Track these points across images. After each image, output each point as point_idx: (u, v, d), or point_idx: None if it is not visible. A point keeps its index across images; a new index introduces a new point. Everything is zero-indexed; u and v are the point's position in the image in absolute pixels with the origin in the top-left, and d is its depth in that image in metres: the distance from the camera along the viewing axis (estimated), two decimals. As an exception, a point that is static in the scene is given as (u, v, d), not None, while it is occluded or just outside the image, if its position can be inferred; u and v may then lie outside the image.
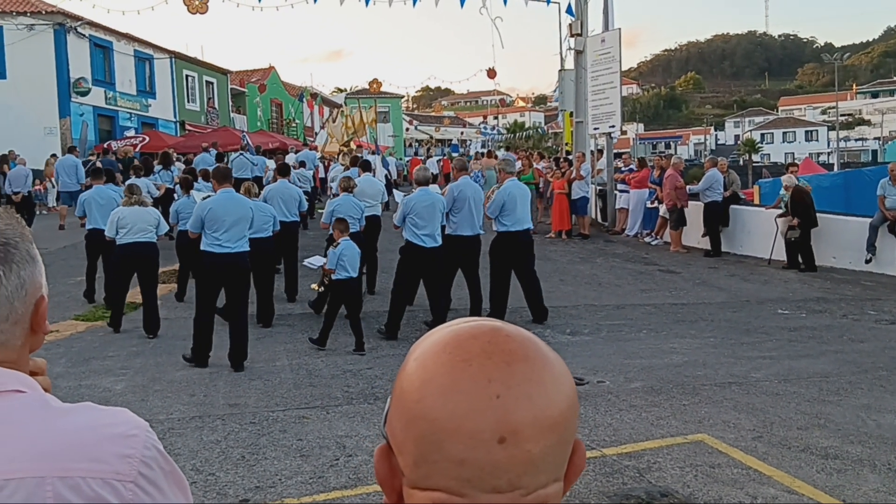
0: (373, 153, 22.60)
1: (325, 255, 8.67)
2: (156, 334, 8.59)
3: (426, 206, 8.48)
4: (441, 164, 30.35)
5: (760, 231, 13.90)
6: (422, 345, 0.77)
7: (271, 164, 17.24)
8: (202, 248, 7.45)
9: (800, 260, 12.88)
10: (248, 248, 7.63)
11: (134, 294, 9.67)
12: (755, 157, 69.61)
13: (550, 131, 57.37)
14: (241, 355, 7.35)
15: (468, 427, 0.69)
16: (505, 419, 0.69)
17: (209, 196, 8.16)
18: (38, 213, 19.53)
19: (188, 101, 34.48)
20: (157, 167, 15.92)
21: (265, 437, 5.41)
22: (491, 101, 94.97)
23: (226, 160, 17.71)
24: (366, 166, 12.50)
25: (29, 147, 22.70)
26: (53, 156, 22.93)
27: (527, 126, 71.92)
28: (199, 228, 7.42)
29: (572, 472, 0.76)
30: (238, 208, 7.52)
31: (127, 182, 10.44)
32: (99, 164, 15.84)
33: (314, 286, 9.36)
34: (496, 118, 75.25)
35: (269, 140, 30.32)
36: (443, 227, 8.94)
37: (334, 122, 30.75)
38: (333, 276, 7.99)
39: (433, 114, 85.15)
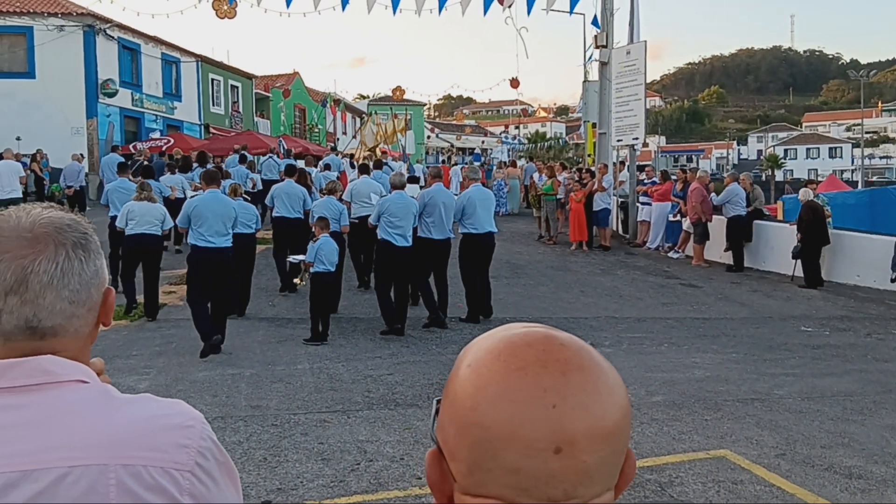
0: (397, 160, 22.84)
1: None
2: (155, 318, 9.61)
3: (399, 207, 9.08)
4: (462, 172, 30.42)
5: (783, 247, 13.78)
6: (473, 350, 0.77)
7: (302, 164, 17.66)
8: (189, 241, 8.24)
9: (793, 273, 12.92)
10: (231, 245, 8.34)
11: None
12: (778, 173, 69.10)
13: (572, 142, 57.35)
14: (213, 333, 7.96)
15: (524, 436, 0.69)
16: (561, 429, 0.69)
17: (196, 195, 9.23)
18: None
19: (213, 105, 34.78)
20: (195, 165, 16.24)
21: (287, 440, 5.44)
22: (513, 110, 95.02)
23: (256, 162, 18.96)
24: (364, 169, 13.00)
25: (56, 146, 23.01)
26: (80, 155, 23.21)
27: (548, 136, 71.92)
28: (187, 224, 8.19)
29: (623, 481, 0.76)
30: (221, 207, 8.23)
31: (140, 180, 11.19)
32: (147, 163, 16.52)
33: (296, 280, 10.00)
34: (517, 128, 75.28)
35: (291, 145, 30.50)
36: (416, 230, 9.47)
37: (366, 126, 31.04)
38: (312, 269, 8.59)
39: (455, 122, 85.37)
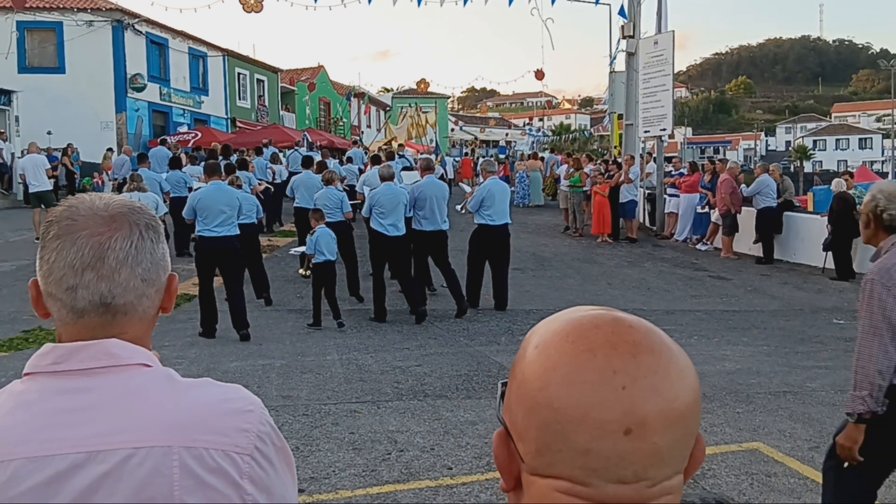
0: (430, 154, 23.17)
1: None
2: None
3: (389, 198, 9.36)
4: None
5: (814, 239, 13.61)
6: (540, 332, 0.77)
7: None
8: (196, 231, 8.43)
9: (824, 265, 12.77)
10: (237, 233, 8.58)
11: (186, 287, 9.93)
12: (806, 165, 68.18)
13: (596, 134, 56.98)
14: (241, 324, 8.28)
15: (594, 417, 0.69)
16: (631, 411, 0.69)
17: (200, 187, 9.49)
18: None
19: (239, 99, 35.00)
20: (219, 158, 16.53)
21: (318, 430, 5.48)
22: (537, 102, 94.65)
23: (283, 155, 19.57)
24: (376, 161, 13.45)
25: (86, 141, 23.32)
26: (110, 150, 23.49)
27: (573, 128, 71.53)
28: (193, 216, 8.41)
29: (692, 465, 0.76)
30: (225, 197, 8.53)
31: (132, 172, 12.22)
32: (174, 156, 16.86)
33: (301, 271, 10.30)
34: (541, 120, 74.93)
35: (317, 138, 30.66)
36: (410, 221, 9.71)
37: (401, 119, 31.23)
38: (313, 261, 8.97)
39: (478, 114, 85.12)
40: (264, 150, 19.65)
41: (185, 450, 1.08)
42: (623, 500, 0.70)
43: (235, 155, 17.42)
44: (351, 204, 10.91)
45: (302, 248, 9.46)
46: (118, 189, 18.36)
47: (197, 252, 8.74)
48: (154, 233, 1.20)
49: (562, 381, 0.71)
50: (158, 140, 23.13)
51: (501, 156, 38.96)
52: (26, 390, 1.11)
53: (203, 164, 10.58)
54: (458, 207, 9.66)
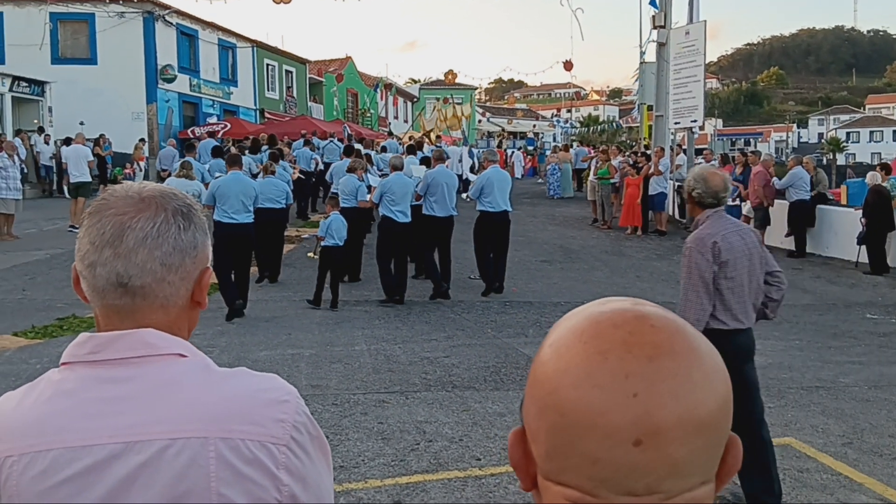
0: (457, 144, 23.63)
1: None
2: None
3: (399, 186, 9.79)
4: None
5: (847, 232, 13.39)
6: (559, 329, 0.72)
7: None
8: (215, 217, 8.79)
9: (857, 259, 12.60)
10: (252, 220, 9.13)
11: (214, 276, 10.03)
12: (839, 157, 67.06)
13: (625, 125, 56.48)
14: (242, 299, 8.90)
15: (603, 425, 0.64)
16: (645, 419, 0.64)
17: (219, 175, 10.35)
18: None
19: (268, 90, 35.19)
20: (265, 147, 16.86)
21: (347, 419, 5.51)
22: (565, 93, 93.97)
23: (320, 147, 20.16)
24: (411, 150, 14.39)
25: (117, 131, 23.61)
26: (142, 140, 23.77)
27: (601, 120, 70.98)
28: (213, 202, 8.87)
29: (724, 472, 0.70)
30: (242, 187, 9.07)
31: (182, 160, 12.66)
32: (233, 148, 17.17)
33: (310, 254, 10.64)
34: (569, 111, 74.44)
35: (339, 128, 30.76)
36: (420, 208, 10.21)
37: (432, 111, 31.33)
38: (323, 243, 9.44)
39: (506, 106, 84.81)
40: (311, 141, 20.33)
41: (221, 441, 1.07)
42: None
43: (280, 144, 17.97)
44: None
45: (315, 231, 10.00)
46: (161, 179, 18.69)
47: (215, 238, 8.95)
48: (184, 219, 1.17)
49: (572, 385, 0.66)
50: (188, 131, 23.49)
51: (530, 147, 38.87)
52: (64, 379, 1.12)
53: (227, 156, 10.88)
54: (464, 195, 9.88)
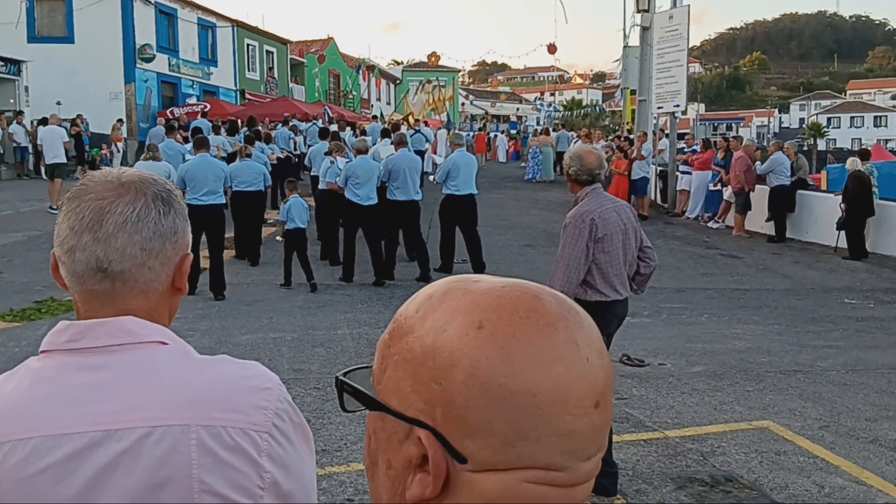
0: (441, 129, 23.52)
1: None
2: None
3: (364, 170, 9.90)
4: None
5: (827, 218, 13.51)
6: (471, 311, 0.66)
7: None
8: (186, 201, 8.88)
9: (836, 244, 12.75)
10: (223, 202, 9.37)
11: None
12: (820, 142, 67.54)
13: (608, 109, 56.55)
14: (219, 287, 8.97)
15: (574, 396, 0.64)
16: (598, 382, 0.66)
17: (189, 159, 10.28)
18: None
19: (248, 70, 34.82)
20: (244, 129, 16.74)
21: (329, 403, 5.51)
22: (548, 77, 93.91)
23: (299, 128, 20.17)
24: (385, 133, 14.40)
25: (95, 112, 23.31)
26: (120, 121, 23.47)
27: (584, 104, 71.03)
28: (182, 185, 8.89)
29: None
30: (211, 169, 9.18)
31: (148, 143, 12.74)
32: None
33: (278, 238, 10.78)
34: (553, 95, 74.42)
35: (319, 110, 30.58)
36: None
37: (416, 94, 31.15)
38: (285, 227, 9.63)
39: (489, 89, 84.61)
40: (296, 126, 20.31)
41: (202, 428, 1.07)
42: (591, 475, 0.67)
43: (260, 126, 17.80)
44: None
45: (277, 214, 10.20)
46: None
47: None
48: (164, 204, 1.17)
49: (535, 363, 0.63)
50: (167, 112, 23.22)
51: (513, 131, 38.86)
52: (43, 367, 1.11)
53: (195, 139, 10.78)
54: (431, 178, 10.24)
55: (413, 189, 10.21)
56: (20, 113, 21.72)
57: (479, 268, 10.41)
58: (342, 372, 0.74)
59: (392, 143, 12.93)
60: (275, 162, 15.24)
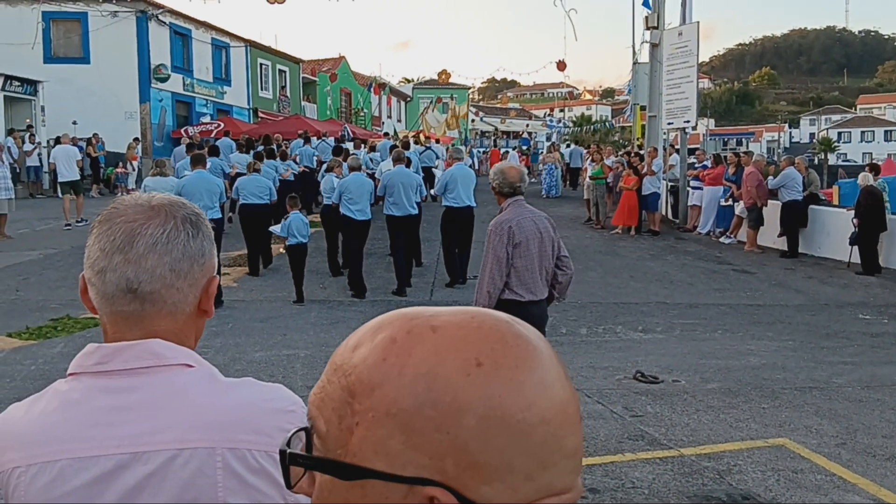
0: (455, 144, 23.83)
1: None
2: None
3: (357, 186, 10.22)
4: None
5: (840, 233, 13.46)
6: (458, 349, 0.62)
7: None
8: None
9: (849, 259, 12.67)
10: (219, 216, 9.54)
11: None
12: (831, 157, 67.32)
13: (618, 125, 56.57)
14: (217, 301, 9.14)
15: (571, 413, 0.64)
16: (575, 396, 0.66)
17: (185, 175, 10.59)
18: (119, 194, 20.38)
19: (261, 89, 35.10)
20: (259, 146, 17.28)
21: (344, 420, 5.51)
22: (558, 93, 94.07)
23: (314, 145, 20.49)
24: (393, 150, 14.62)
25: (110, 131, 23.53)
26: (135, 139, 23.70)
27: (594, 119, 71.10)
28: None
29: None
30: (207, 184, 9.38)
31: (156, 159, 13.17)
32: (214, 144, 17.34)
33: (281, 249, 11.07)
34: (562, 111, 74.53)
35: (338, 128, 30.73)
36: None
37: (432, 111, 31.36)
38: (287, 242, 9.80)
39: (499, 105, 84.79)
40: (312, 140, 20.68)
41: (228, 451, 1.09)
42: (581, 488, 0.66)
43: (274, 144, 18.15)
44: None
45: (277, 228, 10.25)
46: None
47: None
48: (193, 227, 1.19)
49: (542, 390, 0.62)
50: (182, 131, 23.48)
51: (524, 147, 38.92)
52: (71, 390, 1.12)
53: (192, 155, 11.22)
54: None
55: (409, 204, 10.34)
56: (31, 132, 21.97)
57: (454, 279, 10.71)
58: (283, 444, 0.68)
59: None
60: (291, 178, 15.54)
